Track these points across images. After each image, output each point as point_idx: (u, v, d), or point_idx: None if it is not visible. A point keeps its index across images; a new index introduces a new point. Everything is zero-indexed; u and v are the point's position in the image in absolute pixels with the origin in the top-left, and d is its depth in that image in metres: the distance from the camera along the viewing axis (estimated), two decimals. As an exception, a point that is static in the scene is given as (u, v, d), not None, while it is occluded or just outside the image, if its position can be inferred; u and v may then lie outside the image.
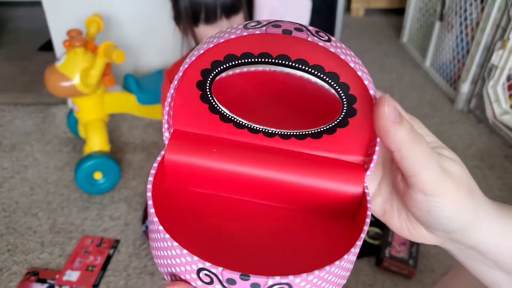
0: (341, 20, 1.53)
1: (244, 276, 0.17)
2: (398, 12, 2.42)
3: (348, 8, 2.60)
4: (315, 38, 0.18)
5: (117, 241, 0.99)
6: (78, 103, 1.14)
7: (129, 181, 1.19)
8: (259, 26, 0.18)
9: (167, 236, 0.18)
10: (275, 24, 0.18)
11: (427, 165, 0.20)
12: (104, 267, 0.93)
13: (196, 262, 0.17)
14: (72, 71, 1.06)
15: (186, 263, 0.18)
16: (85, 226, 1.04)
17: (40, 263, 0.94)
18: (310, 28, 0.19)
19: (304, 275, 0.17)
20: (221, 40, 0.19)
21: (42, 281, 0.89)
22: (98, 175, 1.11)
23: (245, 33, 0.18)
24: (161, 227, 0.19)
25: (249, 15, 1.40)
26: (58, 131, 1.41)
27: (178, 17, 0.84)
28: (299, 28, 0.18)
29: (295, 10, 1.34)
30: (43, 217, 1.06)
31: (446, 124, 1.48)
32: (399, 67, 1.93)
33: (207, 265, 0.17)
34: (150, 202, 0.20)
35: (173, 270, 0.19)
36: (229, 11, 0.79)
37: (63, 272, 0.91)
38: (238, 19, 0.82)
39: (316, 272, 0.17)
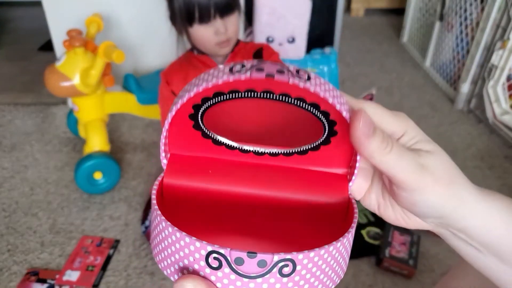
0: (341, 20, 1.53)
1: (251, 253, 0.18)
2: (398, 12, 2.42)
3: (348, 8, 2.60)
4: (295, 80, 0.20)
5: (117, 241, 0.99)
6: (78, 103, 1.14)
7: (129, 181, 1.19)
8: (244, 70, 0.20)
9: (175, 228, 0.19)
10: (258, 67, 0.20)
11: (401, 167, 0.22)
12: (104, 267, 0.93)
13: (205, 246, 0.18)
14: (72, 71, 1.06)
15: (195, 250, 0.19)
16: (85, 226, 1.04)
17: (40, 263, 0.94)
18: (291, 68, 0.20)
19: (306, 251, 0.19)
20: (209, 85, 0.20)
21: (42, 281, 0.89)
22: (98, 175, 1.11)
23: (231, 79, 0.20)
24: (168, 223, 0.20)
25: (249, 15, 1.40)
26: (58, 131, 1.41)
27: (173, 17, 0.84)
28: (281, 70, 0.20)
29: (295, 10, 1.34)
30: (43, 217, 1.06)
31: (446, 124, 1.48)
32: (399, 67, 1.93)
33: (216, 247, 0.18)
34: (156, 207, 0.22)
35: (182, 264, 0.20)
36: (223, 11, 0.79)
37: (63, 272, 0.91)
38: (233, 19, 0.81)
39: (317, 249, 0.19)
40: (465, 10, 1.54)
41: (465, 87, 1.52)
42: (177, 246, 0.19)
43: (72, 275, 0.90)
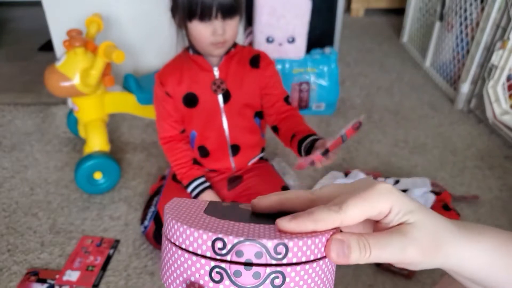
0: (341, 20, 1.53)
1: (247, 266, 0.21)
2: (398, 12, 2.42)
3: (348, 8, 2.60)
4: (272, 261, 0.22)
5: (117, 241, 0.99)
6: (78, 103, 1.14)
7: (129, 181, 1.19)
8: (225, 250, 0.22)
9: (184, 250, 0.22)
10: (238, 251, 0.22)
11: (385, 257, 0.24)
12: (104, 267, 0.93)
13: (209, 262, 0.22)
14: (72, 71, 1.06)
15: (200, 267, 0.22)
16: (85, 226, 1.04)
17: (40, 263, 0.94)
18: (269, 244, 0.21)
19: (293, 265, 0.22)
20: (189, 249, 0.22)
21: (42, 281, 0.89)
22: (98, 175, 1.11)
23: (208, 254, 0.22)
24: (178, 247, 0.23)
25: (249, 15, 1.40)
26: (58, 131, 1.41)
27: (174, 9, 0.83)
28: (259, 252, 0.21)
29: (295, 10, 1.34)
30: (43, 217, 1.06)
31: (446, 124, 1.48)
32: (399, 67, 1.93)
33: (217, 262, 0.22)
34: (166, 237, 0.25)
35: (189, 282, 0.23)
36: (225, 13, 0.78)
37: (63, 272, 0.91)
38: (233, 23, 0.81)
39: (303, 264, 0.22)
40: (465, 10, 1.54)
41: (465, 87, 1.52)
42: (185, 266, 0.23)
43: (72, 275, 0.90)
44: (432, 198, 1.02)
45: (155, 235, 0.94)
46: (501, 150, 1.33)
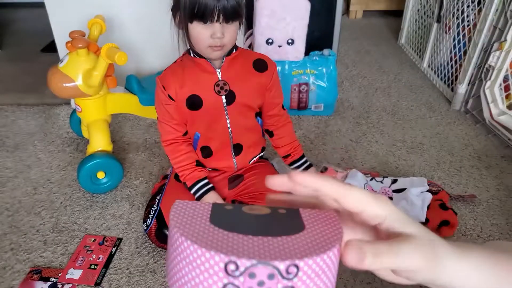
0: (340, 22, 1.55)
1: (261, 283, 0.22)
2: (396, 14, 2.44)
3: (346, 10, 2.63)
4: (284, 281, 0.22)
5: (120, 240, 1.00)
6: (81, 104, 1.15)
7: (132, 180, 1.20)
8: (238, 272, 0.22)
9: (195, 256, 0.23)
10: (251, 273, 0.22)
11: (398, 261, 0.25)
12: (107, 265, 0.94)
13: (222, 278, 0.22)
14: (75, 72, 1.07)
15: (213, 283, 0.22)
16: (88, 225, 1.05)
17: (43, 261, 0.95)
18: (282, 267, 0.22)
19: (304, 279, 0.22)
20: (201, 268, 0.22)
21: (45, 279, 0.90)
22: (101, 175, 1.12)
23: (220, 274, 0.22)
24: (188, 263, 0.23)
25: (249, 18, 1.41)
26: (61, 131, 1.42)
27: (175, 8, 0.84)
28: (272, 274, 0.22)
29: (295, 13, 1.36)
30: (46, 216, 1.08)
31: (443, 124, 1.49)
32: (397, 68, 1.95)
33: (230, 279, 0.22)
34: (172, 243, 0.25)
35: None
36: (227, 17, 0.79)
37: (65, 270, 0.92)
38: (232, 27, 0.82)
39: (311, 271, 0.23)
40: (463, 12, 1.56)
41: (462, 88, 1.53)
42: (197, 281, 0.23)
43: (75, 274, 0.91)
44: (429, 197, 1.03)
45: (157, 234, 0.95)
46: (498, 150, 1.34)
